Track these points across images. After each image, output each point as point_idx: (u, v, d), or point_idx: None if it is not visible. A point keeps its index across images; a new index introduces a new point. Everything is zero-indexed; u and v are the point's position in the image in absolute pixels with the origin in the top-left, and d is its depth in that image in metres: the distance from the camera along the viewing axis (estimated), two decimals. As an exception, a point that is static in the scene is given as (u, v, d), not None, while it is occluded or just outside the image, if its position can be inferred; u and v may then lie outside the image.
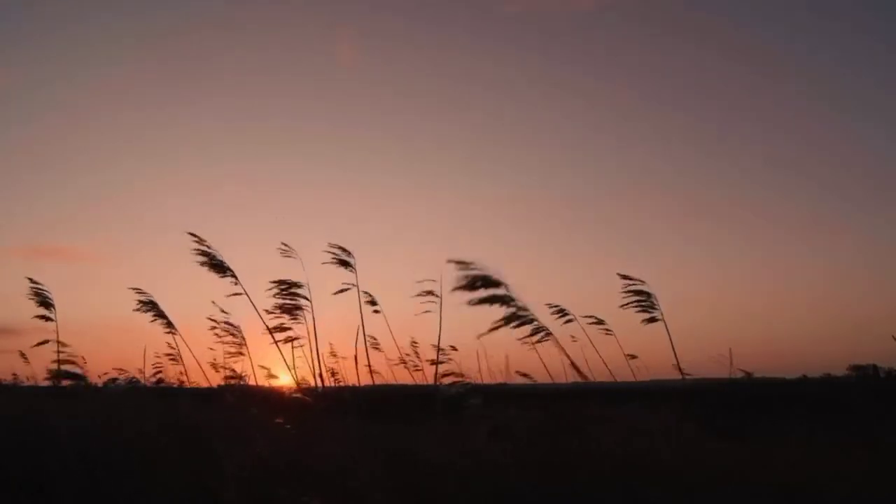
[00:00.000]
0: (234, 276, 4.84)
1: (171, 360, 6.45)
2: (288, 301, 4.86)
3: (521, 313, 2.90)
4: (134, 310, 5.46)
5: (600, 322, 4.82)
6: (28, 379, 8.01)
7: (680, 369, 4.40)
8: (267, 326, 4.88)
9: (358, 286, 5.23)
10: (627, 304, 4.28)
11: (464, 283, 2.74)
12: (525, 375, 5.73)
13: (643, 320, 4.26)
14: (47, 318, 5.51)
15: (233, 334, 5.77)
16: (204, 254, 4.82)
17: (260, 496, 3.04)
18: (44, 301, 5.55)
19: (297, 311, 4.87)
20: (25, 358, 7.49)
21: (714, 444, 3.56)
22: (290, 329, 4.92)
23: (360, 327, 5.25)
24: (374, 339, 6.27)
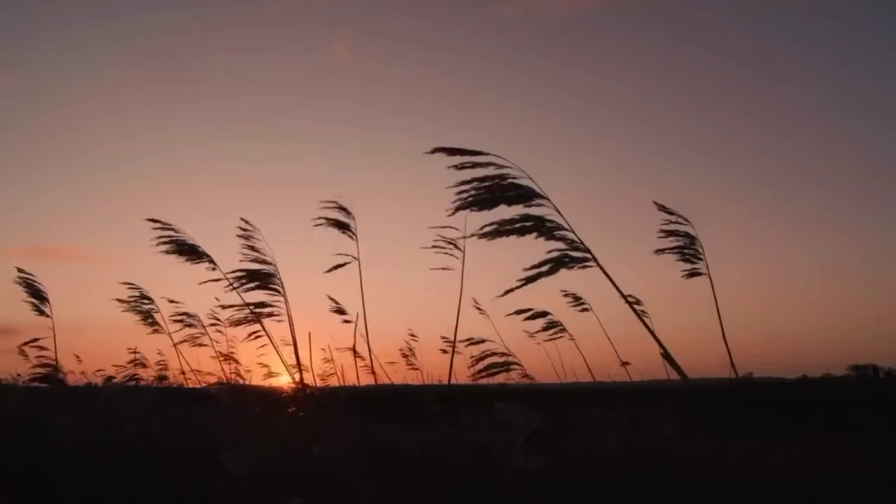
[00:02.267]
0: (210, 260, 4.09)
1: (161, 361, 6.42)
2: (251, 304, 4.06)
3: (573, 253, 1.86)
4: (123, 311, 5.28)
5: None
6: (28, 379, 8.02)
7: (733, 365, 3.64)
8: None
9: (359, 258, 4.42)
10: (664, 249, 3.32)
11: (474, 192, 1.69)
12: (526, 376, 5.65)
13: (684, 272, 3.35)
14: (41, 312, 5.37)
15: (190, 325, 5.33)
16: (171, 241, 4.05)
17: (259, 498, 3.03)
18: (36, 293, 5.37)
19: (265, 310, 4.08)
20: (26, 356, 7.49)
21: (714, 444, 3.55)
22: (260, 333, 4.15)
23: (360, 314, 4.66)
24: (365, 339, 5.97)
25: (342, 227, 4.43)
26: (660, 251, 3.28)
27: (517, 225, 1.86)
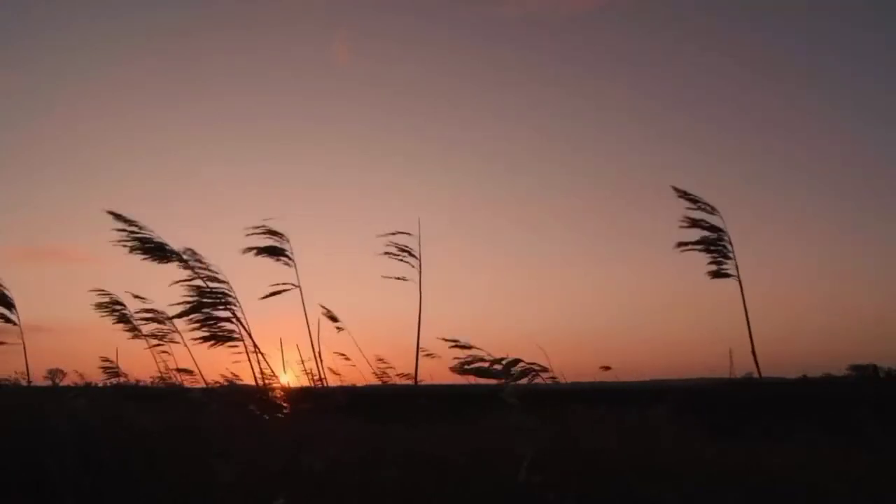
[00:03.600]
0: (180, 259, 3.78)
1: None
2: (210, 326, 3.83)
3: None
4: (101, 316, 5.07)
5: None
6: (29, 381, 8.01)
7: (757, 367, 3.31)
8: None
9: (300, 286, 4.08)
10: (687, 244, 2.65)
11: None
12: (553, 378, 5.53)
13: (709, 272, 2.77)
14: (7, 319, 5.12)
15: (158, 321, 4.98)
16: (136, 239, 3.72)
17: (255, 499, 3.03)
18: (3, 300, 5.11)
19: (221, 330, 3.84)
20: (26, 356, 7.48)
21: (713, 444, 3.55)
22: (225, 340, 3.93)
23: (312, 338, 4.41)
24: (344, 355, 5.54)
25: (275, 253, 4.04)
26: (682, 246, 2.69)
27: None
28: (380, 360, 6.10)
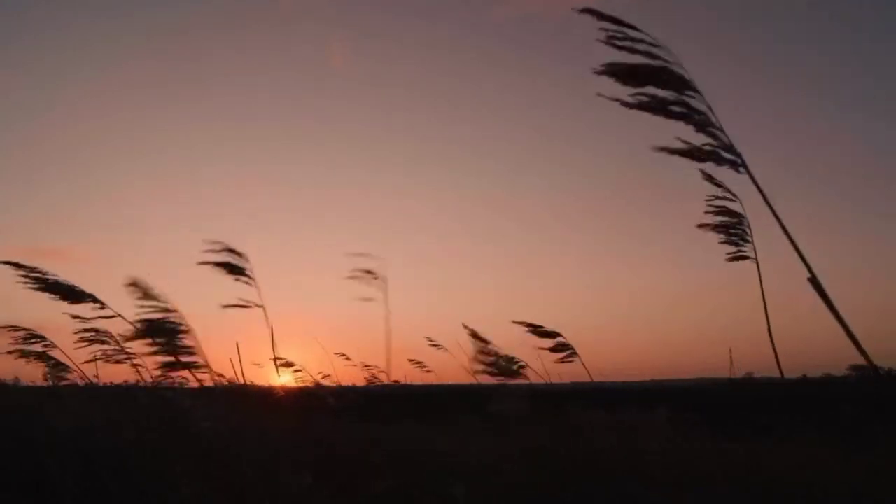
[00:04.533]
0: (95, 300, 3.81)
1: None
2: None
3: (724, 153, 1.71)
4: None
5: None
6: (31, 381, 8.02)
7: (779, 367, 3.42)
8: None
9: (264, 307, 3.87)
10: (707, 225, 2.92)
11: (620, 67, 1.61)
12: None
13: (728, 255, 2.99)
14: None
15: (101, 341, 4.60)
16: (41, 281, 3.73)
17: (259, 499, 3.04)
18: None
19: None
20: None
21: (713, 444, 3.56)
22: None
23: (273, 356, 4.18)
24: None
25: (234, 270, 3.89)
26: (703, 226, 2.90)
27: (670, 107, 1.68)
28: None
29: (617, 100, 1.65)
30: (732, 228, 2.87)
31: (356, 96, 70.57)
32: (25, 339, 5.09)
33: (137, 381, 6.73)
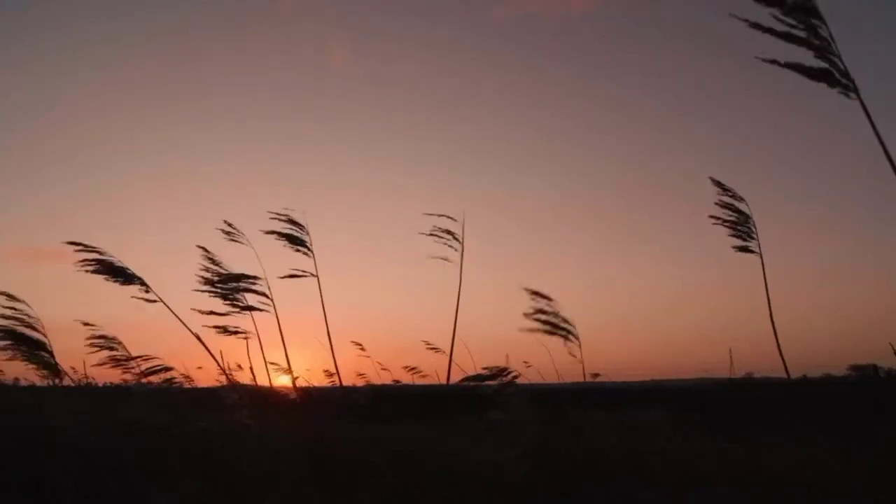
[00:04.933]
0: (142, 283, 4.08)
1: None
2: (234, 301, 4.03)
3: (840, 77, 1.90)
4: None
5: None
6: (28, 381, 8.02)
7: (785, 366, 3.60)
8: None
9: (317, 274, 4.21)
10: (718, 220, 3.36)
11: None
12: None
13: (735, 247, 3.37)
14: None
15: (110, 347, 4.91)
16: (96, 262, 4.00)
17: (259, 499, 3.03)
18: None
19: (239, 306, 4.09)
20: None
21: (713, 444, 3.55)
22: (239, 329, 4.15)
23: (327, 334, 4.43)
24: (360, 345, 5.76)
25: (295, 242, 4.19)
26: (714, 220, 3.26)
27: (793, 31, 1.82)
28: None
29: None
30: (740, 226, 3.26)
31: (356, 96, 70.56)
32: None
33: (132, 381, 6.73)
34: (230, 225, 4.14)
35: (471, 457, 3.26)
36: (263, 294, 4.07)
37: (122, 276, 4.06)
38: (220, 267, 4.12)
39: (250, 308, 4.10)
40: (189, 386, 6.33)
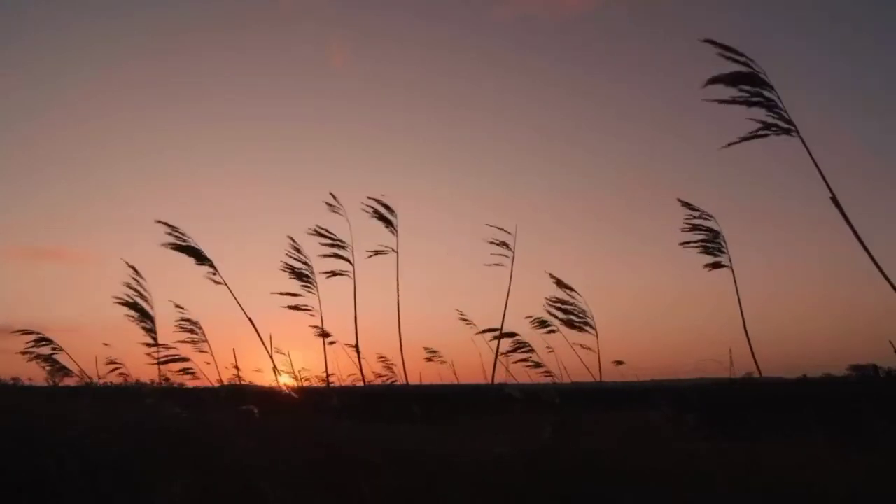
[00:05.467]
0: (212, 265, 4.65)
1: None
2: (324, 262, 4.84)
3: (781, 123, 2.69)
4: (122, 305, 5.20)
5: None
6: (29, 379, 8.03)
7: (758, 367, 3.79)
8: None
9: (398, 251, 4.86)
10: (689, 242, 3.51)
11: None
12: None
13: (706, 265, 3.53)
14: None
15: (191, 330, 5.33)
16: (178, 242, 4.63)
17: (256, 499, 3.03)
18: None
19: (308, 279, 4.81)
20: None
21: (713, 444, 3.55)
22: (299, 297, 4.84)
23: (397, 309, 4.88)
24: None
25: (386, 221, 4.87)
26: (685, 244, 3.51)
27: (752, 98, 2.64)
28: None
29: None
30: (710, 243, 3.50)
31: (356, 96, 70.54)
32: (36, 342, 5.27)
33: (136, 381, 6.73)
34: (335, 198, 4.84)
35: (471, 457, 3.27)
36: (347, 259, 4.79)
37: (198, 256, 4.63)
38: (302, 255, 4.89)
39: (333, 273, 4.79)
40: (193, 385, 6.31)
